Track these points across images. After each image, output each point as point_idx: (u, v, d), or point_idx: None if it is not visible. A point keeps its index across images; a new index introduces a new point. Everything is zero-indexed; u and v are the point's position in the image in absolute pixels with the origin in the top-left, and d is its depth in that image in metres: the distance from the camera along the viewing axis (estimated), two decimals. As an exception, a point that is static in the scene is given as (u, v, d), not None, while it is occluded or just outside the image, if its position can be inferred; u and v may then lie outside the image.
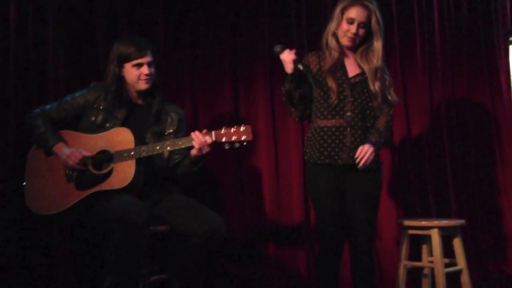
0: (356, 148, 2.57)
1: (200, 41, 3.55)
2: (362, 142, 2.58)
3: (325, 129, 2.62)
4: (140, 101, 2.79)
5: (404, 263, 3.09)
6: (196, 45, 3.54)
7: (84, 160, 2.60)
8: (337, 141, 2.60)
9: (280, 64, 3.42)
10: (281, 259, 3.48)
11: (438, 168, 3.63)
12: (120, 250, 2.46)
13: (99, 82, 2.83)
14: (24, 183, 2.69)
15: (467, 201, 3.62)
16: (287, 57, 2.56)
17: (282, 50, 2.58)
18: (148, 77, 2.72)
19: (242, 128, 2.53)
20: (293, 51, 2.57)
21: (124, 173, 2.57)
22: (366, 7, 2.57)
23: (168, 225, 2.69)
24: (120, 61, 2.70)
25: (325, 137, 2.61)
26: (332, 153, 2.59)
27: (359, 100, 2.61)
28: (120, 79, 2.72)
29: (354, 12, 2.57)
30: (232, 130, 2.53)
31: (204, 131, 2.59)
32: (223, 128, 2.55)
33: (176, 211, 2.66)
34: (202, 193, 3.33)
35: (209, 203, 3.10)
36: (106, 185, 2.58)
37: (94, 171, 2.62)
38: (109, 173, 2.59)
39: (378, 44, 2.61)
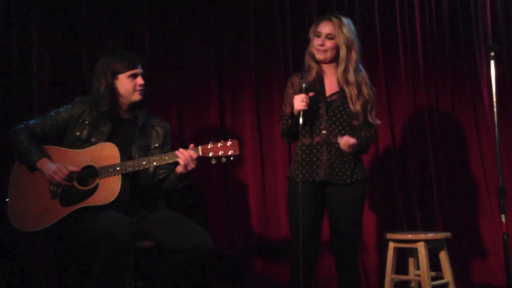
0: (332, 165, 2.62)
1: (186, 54, 3.54)
2: (338, 159, 2.63)
3: (304, 147, 2.68)
4: (126, 115, 2.77)
5: (391, 277, 3.09)
6: (181, 59, 3.54)
7: (69, 176, 2.57)
8: (314, 159, 2.65)
9: (266, 78, 3.46)
10: (268, 274, 3.46)
11: (422, 180, 3.66)
12: (105, 266, 2.44)
13: (84, 97, 2.81)
14: (7, 200, 2.64)
15: (452, 214, 3.65)
16: (300, 104, 2.55)
17: (304, 91, 2.56)
18: (142, 88, 2.71)
19: (229, 143, 2.52)
20: (307, 102, 2.55)
21: (109, 189, 2.54)
22: (331, 20, 2.66)
23: (154, 241, 2.66)
24: (114, 73, 2.68)
25: (303, 155, 2.67)
26: (310, 170, 2.64)
27: (333, 119, 2.66)
28: (113, 91, 2.69)
29: (321, 26, 2.68)
30: (219, 145, 2.53)
31: (191, 145, 2.57)
32: (210, 143, 2.54)
33: (162, 226, 2.63)
34: (188, 208, 3.31)
35: (195, 217, 3.08)
36: (91, 201, 2.55)
37: (79, 187, 2.58)
38: (95, 188, 2.56)
39: (343, 54, 2.65)
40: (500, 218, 2.74)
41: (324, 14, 2.87)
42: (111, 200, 2.53)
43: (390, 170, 3.64)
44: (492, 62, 2.77)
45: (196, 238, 2.56)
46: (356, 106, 2.63)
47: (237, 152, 2.52)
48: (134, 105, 2.75)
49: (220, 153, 2.52)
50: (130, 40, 3.45)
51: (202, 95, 3.55)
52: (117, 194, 2.53)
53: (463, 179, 3.71)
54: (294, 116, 2.59)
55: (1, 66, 3.16)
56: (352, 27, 2.68)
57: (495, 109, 2.79)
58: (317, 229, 2.67)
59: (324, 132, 2.64)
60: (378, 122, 2.72)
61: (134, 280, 2.70)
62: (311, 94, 2.57)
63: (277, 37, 3.62)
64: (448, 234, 3.12)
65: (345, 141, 2.57)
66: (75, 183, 2.59)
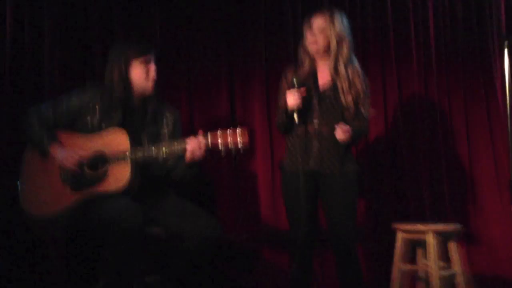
0: (322, 156, 2.66)
1: (197, 44, 3.56)
2: (329, 151, 2.66)
3: (295, 136, 2.71)
4: (137, 102, 2.77)
5: (399, 266, 3.09)
6: (192, 49, 3.56)
7: (80, 162, 2.60)
8: (305, 148, 2.68)
9: (276, 68, 3.46)
10: (276, 263, 3.47)
11: (433, 172, 3.64)
12: (114, 253, 2.46)
13: (96, 82, 2.83)
14: (19, 184, 2.67)
15: (461, 204, 3.64)
16: (292, 100, 2.59)
17: (297, 86, 2.61)
18: (154, 75, 2.71)
19: (238, 131, 2.52)
20: (300, 97, 2.59)
21: (119, 175, 2.56)
22: (322, 14, 2.71)
23: (163, 228, 2.67)
24: (127, 59, 2.67)
25: (295, 144, 2.70)
26: (301, 160, 2.66)
27: (325, 110, 2.69)
28: (126, 78, 2.69)
29: (313, 20, 2.72)
30: (228, 132, 2.52)
31: (200, 132, 2.57)
32: (219, 130, 2.54)
33: (171, 214, 2.65)
34: (198, 197, 3.33)
35: (204, 206, 3.10)
36: (101, 187, 2.57)
37: (90, 173, 2.61)
38: (105, 174, 2.58)
39: (333, 46, 2.68)
40: (510, 211, 2.71)
41: (329, 6, 2.91)
42: (121, 186, 2.54)
43: (401, 162, 3.62)
44: (506, 52, 2.74)
45: (205, 226, 2.58)
46: (347, 99, 2.67)
47: (247, 140, 2.51)
48: (146, 92, 2.76)
49: (229, 139, 2.51)
50: (141, 29, 3.47)
51: (212, 85, 3.57)
52: (127, 180, 2.55)
53: (474, 172, 3.68)
54: (287, 113, 2.63)
55: (14, 57, 3.20)
56: (345, 21, 2.72)
57: (508, 101, 2.76)
58: (312, 218, 2.70)
59: (316, 123, 2.68)
60: (372, 112, 2.77)
61: (142, 267, 2.72)
62: (302, 89, 2.61)
63: (287, 27, 3.61)
64: (458, 226, 3.11)
65: (339, 128, 2.59)
66: (86, 169, 2.61)
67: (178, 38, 3.53)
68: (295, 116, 2.59)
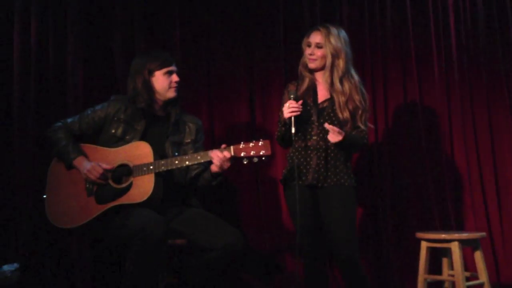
0: (320, 170, 2.70)
1: (217, 53, 3.57)
2: (327, 163, 2.71)
3: (296, 152, 2.76)
4: (160, 113, 2.81)
5: (424, 277, 3.05)
6: (212, 58, 3.56)
7: (104, 174, 2.62)
8: (304, 163, 2.72)
9: (295, 76, 3.46)
10: (298, 272, 3.45)
11: (457, 180, 3.61)
12: (138, 263, 2.47)
13: (119, 95, 2.86)
14: (45, 196, 2.71)
15: (487, 213, 3.59)
16: (286, 111, 2.62)
17: (293, 99, 2.64)
18: (177, 85, 2.76)
19: (260, 143, 2.53)
20: (294, 107, 2.61)
21: (143, 187, 2.58)
22: (320, 30, 2.77)
23: (186, 239, 2.69)
24: (150, 71, 2.73)
25: (295, 158, 2.75)
26: (300, 174, 2.71)
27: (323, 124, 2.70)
28: (150, 88, 2.74)
29: (311, 36, 2.78)
30: (251, 144, 2.53)
31: (223, 146, 2.59)
32: (242, 143, 2.55)
33: (194, 225, 2.66)
34: (220, 206, 3.33)
35: (227, 214, 3.11)
36: (125, 199, 2.59)
37: (114, 185, 2.63)
38: (129, 187, 2.60)
39: (328, 63, 2.74)
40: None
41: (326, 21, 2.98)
42: (145, 198, 2.56)
43: (422, 168, 3.59)
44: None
45: (228, 237, 2.58)
46: (344, 114, 2.72)
47: (269, 152, 2.53)
48: (168, 103, 2.79)
49: (252, 153, 2.52)
50: (162, 39, 3.49)
51: (232, 94, 3.57)
52: (150, 192, 2.56)
53: (497, 180, 3.64)
54: (285, 124, 2.68)
55: (38, 67, 3.24)
56: (342, 35, 2.76)
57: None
58: (315, 229, 2.74)
59: (315, 138, 2.72)
60: (370, 126, 2.83)
61: (166, 278, 2.73)
62: (299, 102, 2.65)
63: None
64: (483, 234, 3.07)
65: (331, 130, 2.60)
66: (110, 181, 2.64)
67: (198, 47, 3.55)
68: (293, 126, 2.60)
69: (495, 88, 3.70)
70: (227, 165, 2.58)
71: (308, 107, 2.74)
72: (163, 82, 2.74)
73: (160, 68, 2.73)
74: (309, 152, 2.73)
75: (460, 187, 3.63)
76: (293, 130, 2.60)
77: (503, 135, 3.66)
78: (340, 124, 2.71)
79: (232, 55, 3.57)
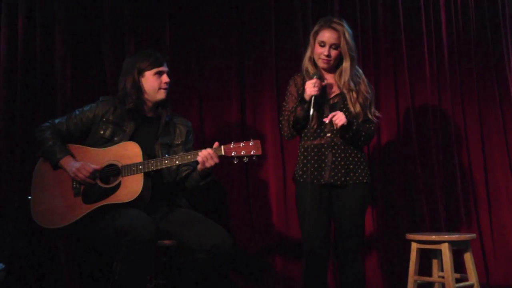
0: (337, 168, 2.66)
1: (207, 53, 3.54)
2: (343, 161, 2.66)
3: (309, 149, 2.70)
4: (150, 114, 2.78)
5: (414, 278, 3.05)
6: (202, 58, 3.54)
7: (93, 174, 2.59)
8: (319, 161, 2.69)
9: (286, 76, 3.44)
10: (288, 274, 3.44)
11: (448, 182, 3.61)
12: (126, 264, 2.44)
13: (108, 96, 2.84)
14: (30, 197, 2.66)
15: (475, 215, 3.60)
16: (310, 88, 2.56)
17: (317, 77, 2.59)
18: (167, 86, 2.73)
19: (251, 143, 2.52)
20: (318, 88, 2.56)
21: (131, 187, 2.55)
22: (335, 29, 2.65)
23: (174, 239, 2.66)
24: (140, 70, 2.70)
25: (309, 157, 2.69)
26: (315, 172, 2.67)
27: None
28: (139, 89, 2.71)
29: (325, 35, 2.65)
30: (241, 144, 2.52)
31: (216, 144, 2.57)
32: (232, 143, 2.54)
33: (183, 225, 2.63)
34: (209, 207, 3.31)
35: (216, 215, 3.08)
36: (113, 199, 2.56)
37: (102, 185, 2.60)
38: (117, 186, 2.57)
39: (346, 64, 2.68)
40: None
41: (326, 16, 2.88)
42: (133, 198, 2.53)
43: (413, 170, 3.59)
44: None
45: (216, 238, 2.55)
46: (356, 108, 2.68)
47: (260, 152, 2.52)
48: (158, 104, 2.76)
49: (243, 152, 2.52)
50: (151, 38, 3.45)
51: (222, 94, 3.55)
52: (139, 192, 2.54)
53: (487, 182, 3.65)
54: (305, 102, 2.59)
55: (25, 66, 3.19)
56: (350, 30, 2.70)
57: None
58: (325, 230, 2.70)
59: (328, 135, 2.68)
60: (377, 114, 2.77)
61: (154, 279, 2.70)
62: (323, 83, 2.60)
63: (298, 35, 3.59)
64: (473, 236, 3.07)
65: (333, 116, 2.57)
66: (98, 181, 2.60)
67: (188, 47, 3.52)
68: (311, 107, 2.53)
69: (485, 89, 3.71)
70: (210, 163, 2.54)
71: (320, 103, 2.67)
72: (152, 83, 2.71)
73: (150, 68, 2.70)
74: (323, 150, 2.68)
75: (451, 189, 3.63)
76: (311, 112, 2.54)
77: (494, 138, 3.67)
78: (351, 117, 2.66)
79: (222, 55, 3.55)
